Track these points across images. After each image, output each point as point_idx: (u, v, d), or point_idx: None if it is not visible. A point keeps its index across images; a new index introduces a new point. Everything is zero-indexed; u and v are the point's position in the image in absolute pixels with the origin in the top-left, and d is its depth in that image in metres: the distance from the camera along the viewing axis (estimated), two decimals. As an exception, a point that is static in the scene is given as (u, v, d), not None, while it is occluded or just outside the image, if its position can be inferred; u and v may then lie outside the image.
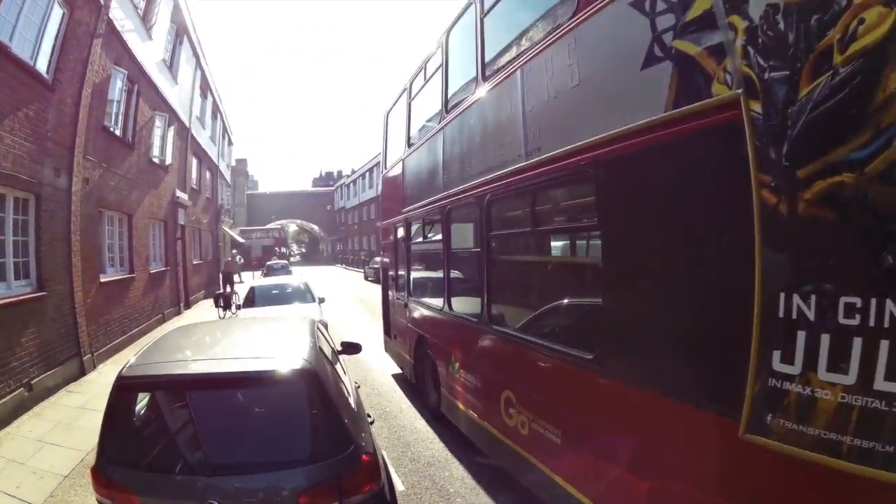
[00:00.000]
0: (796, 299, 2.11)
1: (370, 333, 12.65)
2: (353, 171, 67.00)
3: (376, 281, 33.78)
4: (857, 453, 2.00)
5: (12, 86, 7.49)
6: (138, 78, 13.71)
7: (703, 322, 2.64)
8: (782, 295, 2.14)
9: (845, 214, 2.00)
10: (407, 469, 5.79)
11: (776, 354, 2.18)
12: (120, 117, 12.86)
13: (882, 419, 1.92)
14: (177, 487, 2.96)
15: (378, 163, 50.94)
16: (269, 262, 41.17)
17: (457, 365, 6.12)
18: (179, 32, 18.58)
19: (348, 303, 22.73)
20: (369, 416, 4.30)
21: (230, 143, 38.47)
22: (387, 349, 10.55)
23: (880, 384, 1.93)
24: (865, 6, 1.86)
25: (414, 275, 8.46)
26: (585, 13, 3.38)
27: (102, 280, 11.41)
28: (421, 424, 7.24)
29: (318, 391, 3.24)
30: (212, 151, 28.22)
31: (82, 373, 9.69)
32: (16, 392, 7.27)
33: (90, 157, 10.60)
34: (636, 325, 3.11)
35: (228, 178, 39.38)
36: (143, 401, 3.36)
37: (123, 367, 3.39)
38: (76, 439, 6.50)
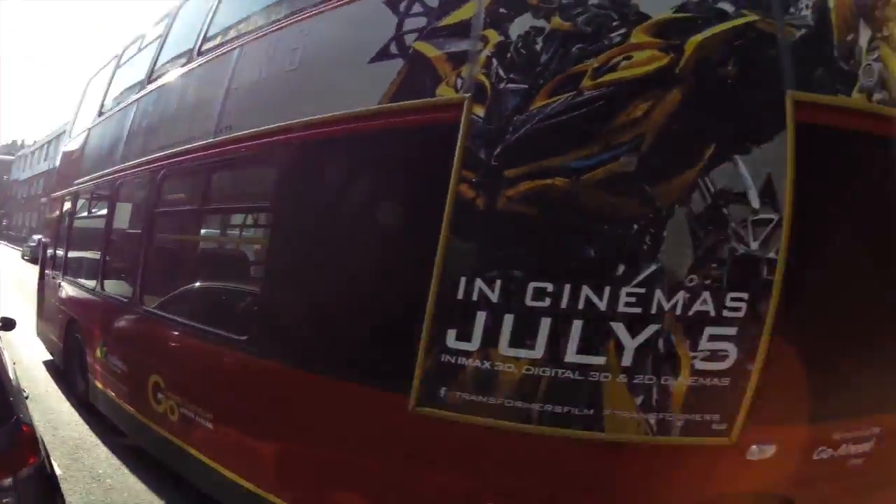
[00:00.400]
0: (479, 283, 2.24)
1: (21, 316, 10.40)
2: (35, 143, 56.05)
3: (33, 260, 28.96)
4: (550, 418, 2.22)
5: None
6: None
7: (371, 305, 2.74)
8: (463, 279, 2.26)
9: (551, 212, 2.25)
10: (58, 452, 5.08)
11: (451, 333, 2.28)
12: None
13: (575, 386, 2.18)
14: None
15: (61, 133, 44.63)
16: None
17: (104, 349, 5.57)
18: None
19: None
20: (24, 391, 3.99)
21: None
22: (38, 333, 9.13)
23: (572, 357, 2.21)
24: (639, 47, 2.17)
25: (73, 252, 7.58)
26: (333, 3, 3.32)
27: None
28: (66, 407, 6.55)
29: None
30: None
31: None
32: None
33: None
34: (298, 308, 3.10)
35: None
36: None
37: None
38: None
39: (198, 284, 4.58)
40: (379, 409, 2.62)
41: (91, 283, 6.27)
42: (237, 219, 4.57)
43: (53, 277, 8.20)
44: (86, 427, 5.92)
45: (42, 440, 3.22)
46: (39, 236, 31.14)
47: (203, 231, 4.78)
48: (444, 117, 2.48)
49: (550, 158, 2.20)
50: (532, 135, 2.23)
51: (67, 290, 7.29)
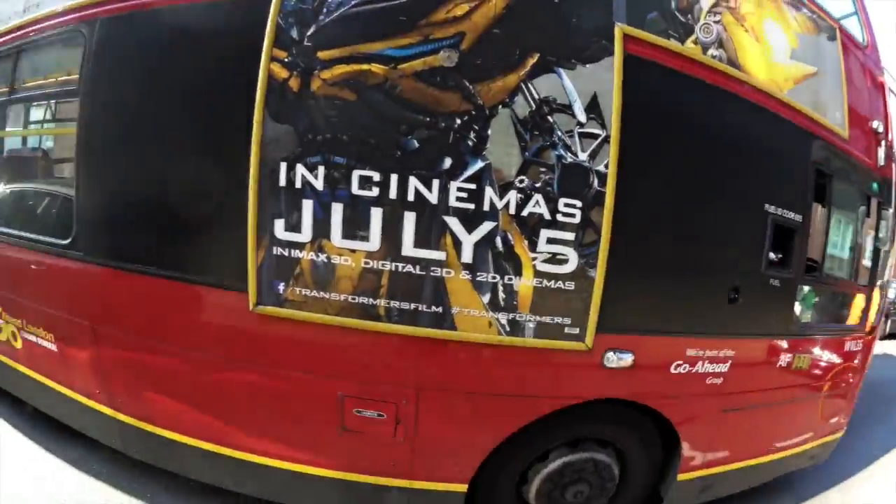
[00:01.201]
0: (301, 169, 2.17)
1: None
2: None
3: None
4: (397, 314, 2.23)
5: None
6: None
7: (193, 194, 2.51)
8: (284, 164, 2.18)
9: (369, 98, 2.20)
10: None
11: (279, 223, 2.21)
12: None
13: (419, 282, 2.19)
14: None
15: None
16: None
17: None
18: None
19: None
20: None
21: None
22: None
23: (410, 251, 2.21)
24: None
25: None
26: None
27: None
28: None
29: None
30: None
31: None
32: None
33: None
34: (121, 205, 2.77)
35: None
36: None
37: None
38: None
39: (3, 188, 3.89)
40: (217, 311, 2.52)
41: None
42: (36, 112, 3.92)
43: None
44: None
45: None
46: None
47: None
48: None
49: (367, 44, 2.17)
50: (348, 17, 2.19)
51: None
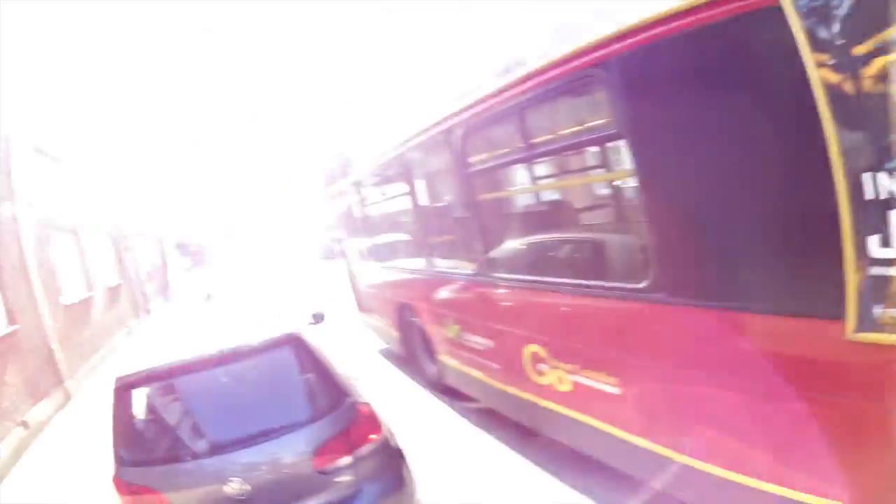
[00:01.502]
0: (883, 177, 1.91)
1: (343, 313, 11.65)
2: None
3: (328, 258, 33.19)
4: None
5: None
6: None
7: (779, 223, 2.34)
8: (867, 176, 1.93)
9: None
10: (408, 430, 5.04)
11: (873, 240, 1.96)
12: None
13: None
14: (197, 473, 3.01)
15: None
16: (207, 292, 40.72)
17: (456, 328, 5.29)
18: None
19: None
20: (355, 374, 4.33)
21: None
22: (365, 326, 9.33)
23: None
24: None
25: (381, 237, 7.69)
26: None
27: (65, 303, 10.93)
28: (427, 399, 6.37)
29: (306, 353, 3.38)
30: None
31: (68, 398, 9.40)
32: (13, 432, 7.05)
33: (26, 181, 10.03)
34: (698, 243, 2.69)
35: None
36: (143, 396, 3.36)
37: (119, 372, 3.35)
38: (84, 464, 6.34)
39: (555, 237, 4.33)
40: (809, 341, 2.27)
41: (417, 264, 6.08)
42: (578, 158, 4.29)
43: (367, 268, 8.28)
44: (441, 406, 5.98)
45: (383, 419, 3.49)
46: (327, 235, 36.95)
47: (542, 178, 4.71)
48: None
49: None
50: (864, 4, 1.88)
51: (389, 276, 7.26)
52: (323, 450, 3.07)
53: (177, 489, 3.01)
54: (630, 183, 3.36)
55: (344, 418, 3.18)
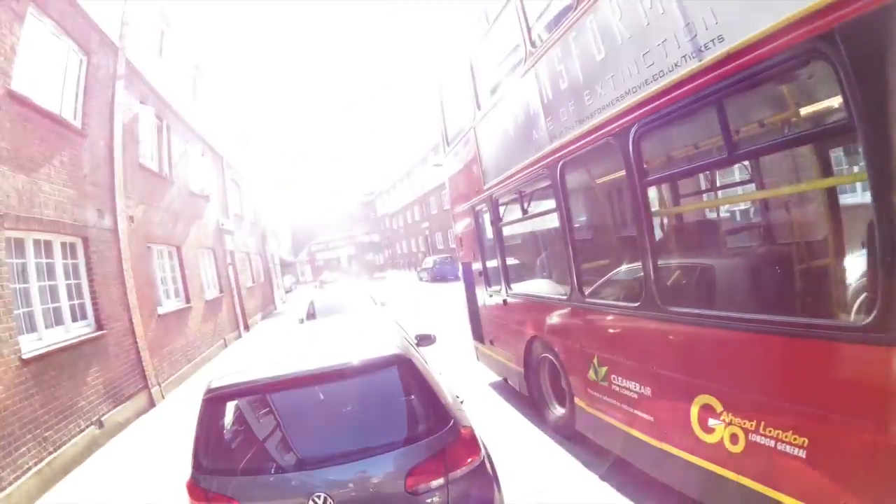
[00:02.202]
0: None
1: (450, 337, 10.82)
2: (391, 178, 67.63)
3: (432, 280, 33.79)
4: None
5: (41, 136, 7.61)
6: (165, 112, 13.95)
7: None
8: None
9: None
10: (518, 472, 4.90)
11: None
12: (154, 153, 13.09)
13: None
14: (278, 486, 2.95)
15: (414, 167, 53.90)
16: (320, 277, 42.08)
17: (603, 370, 4.51)
18: (198, 64, 18.84)
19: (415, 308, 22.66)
20: (458, 397, 4.13)
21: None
22: (479, 357, 8.65)
23: None
24: None
25: (513, 262, 7.12)
26: None
27: (160, 312, 11.64)
28: (551, 447, 5.52)
29: (413, 374, 3.27)
30: (248, 176, 28.70)
31: (152, 404, 9.89)
32: (86, 430, 7.40)
33: (131, 195, 10.80)
34: None
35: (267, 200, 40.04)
36: (232, 409, 3.35)
37: (211, 380, 3.33)
38: (155, 468, 6.52)
39: (760, 260, 3.86)
40: None
41: (558, 292, 5.38)
42: (787, 158, 3.59)
43: (491, 296, 7.45)
44: (564, 454, 5.25)
45: (482, 441, 3.34)
46: (435, 258, 38.19)
47: (731, 185, 4.42)
48: None
49: None
50: None
51: (520, 307, 6.50)
52: (417, 470, 2.95)
53: (254, 500, 2.96)
54: (862, 186, 2.74)
55: (444, 441, 3.05)
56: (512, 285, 6.77)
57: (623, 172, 3.88)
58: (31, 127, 7.36)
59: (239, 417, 3.35)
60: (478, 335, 8.48)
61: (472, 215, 7.79)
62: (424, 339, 5.88)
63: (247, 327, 20.69)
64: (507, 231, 6.87)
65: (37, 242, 7.39)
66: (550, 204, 5.28)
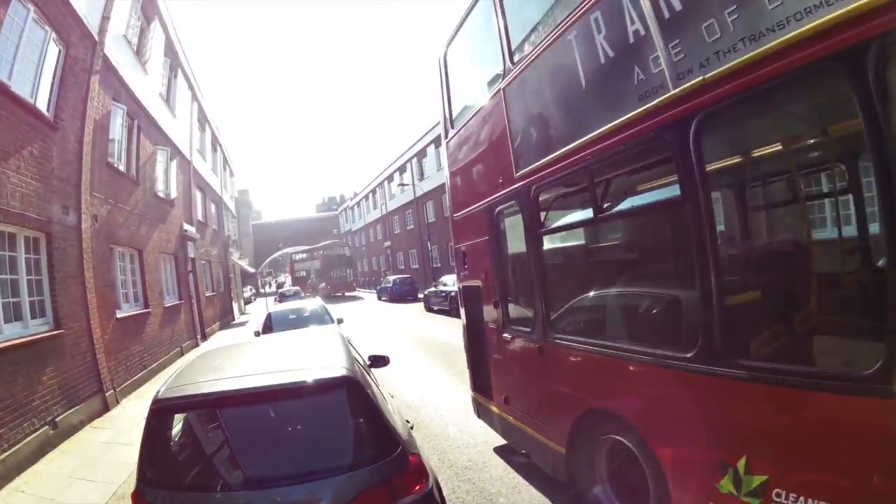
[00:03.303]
0: None
1: (430, 376, 10.73)
2: (356, 195, 67.56)
3: (391, 300, 33.72)
4: None
5: (14, 124, 7.49)
6: (137, 113, 13.80)
7: None
8: None
9: None
10: None
11: None
12: (123, 153, 12.89)
13: None
14: None
15: (381, 183, 53.56)
16: (281, 290, 41.47)
17: (756, 480, 2.67)
18: (173, 66, 18.74)
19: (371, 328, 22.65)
20: (408, 422, 4.15)
21: (231, 174, 38.69)
22: (481, 414, 6.46)
23: None
24: None
25: (561, 290, 4.89)
26: None
27: (119, 316, 11.37)
28: None
29: (360, 398, 3.21)
30: (214, 183, 28.36)
31: (106, 409, 9.61)
32: (40, 430, 7.18)
33: (97, 193, 10.62)
34: None
35: (233, 209, 39.54)
36: (180, 421, 3.31)
37: (159, 390, 3.31)
38: (106, 473, 6.39)
39: None
40: None
41: (666, 347, 3.32)
42: None
43: (514, 337, 5.26)
44: None
45: (430, 467, 3.31)
46: (394, 277, 37.34)
47: None
48: None
49: None
50: None
51: (570, 358, 4.34)
52: (363, 497, 2.90)
53: None
54: None
55: (391, 467, 3.00)
56: (557, 325, 4.62)
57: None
58: (3, 114, 7.24)
59: (186, 430, 3.31)
60: (482, 387, 6.22)
61: (487, 220, 5.60)
62: (378, 361, 5.78)
63: (204, 336, 20.27)
64: (551, 242, 4.89)
65: (0, 234, 7.23)
66: (665, 193, 3.53)
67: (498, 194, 5.28)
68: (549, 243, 4.86)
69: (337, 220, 78.41)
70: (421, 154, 40.47)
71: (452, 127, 6.57)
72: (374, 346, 13.70)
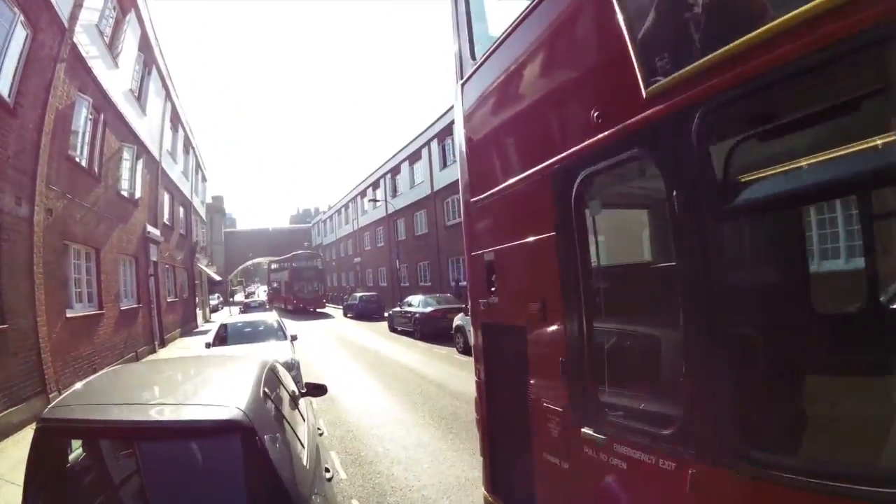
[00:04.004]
0: None
1: (380, 404, 10.10)
2: (330, 207, 67.30)
3: (356, 317, 33.14)
4: None
5: (-32, 106, 7.32)
6: (104, 107, 13.57)
7: None
8: None
9: None
10: None
11: None
12: (85, 147, 12.67)
13: None
14: None
15: (354, 198, 52.76)
16: (245, 300, 40.98)
17: None
18: (147, 63, 18.55)
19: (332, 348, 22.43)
20: (328, 469, 3.79)
21: (204, 178, 38.28)
22: None
23: None
24: None
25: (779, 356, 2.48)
26: None
27: (69, 315, 11.05)
28: None
29: (252, 447, 2.73)
30: (184, 187, 28.01)
31: (48, 411, 9.30)
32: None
33: (53, 186, 10.38)
34: None
35: (203, 214, 39.04)
36: (63, 448, 2.96)
37: (47, 407, 3.03)
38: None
39: None
40: None
41: None
42: None
43: (611, 441, 2.54)
44: None
45: None
46: (361, 294, 36.40)
47: None
48: None
49: None
50: None
51: None
52: None
53: None
54: None
55: None
56: (778, 442, 2.20)
57: None
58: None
59: (68, 460, 2.96)
60: (507, 493, 3.91)
61: (554, 201, 2.98)
62: (315, 390, 5.30)
63: (163, 343, 19.84)
64: (742, 239, 2.67)
65: (-56, 220, 7.02)
66: None
67: (589, 142, 2.68)
68: (739, 242, 2.62)
69: (309, 233, 77.92)
70: (395, 170, 40.45)
71: (474, 58, 4.03)
72: (329, 365, 13.60)
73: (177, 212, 25.72)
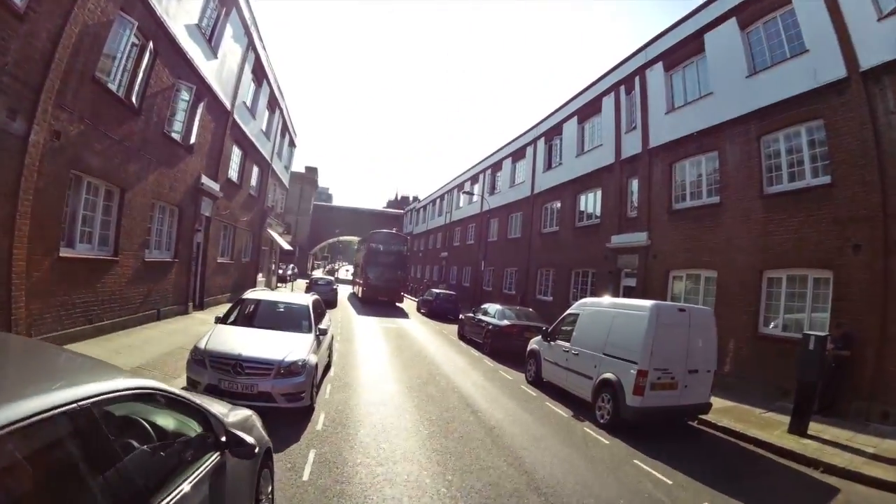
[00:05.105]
0: None
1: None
2: (425, 197, 66.74)
3: (429, 314, 31.83)
4: None
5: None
6: (155, 34, 12.73)
7: None
8: None
9: None
10: None
11: None
12: (125, 75, 11.90)
13: None
14: None
15: (452, 189, 51.71)
16: (313, 277, 40.22)
17: None
18: (226, 2, 17.85)
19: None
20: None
21: (292, 143, 38.33)
22: None
23: None
24: None
25: None
26: None
27: (63, 255, 10.20)
28: None
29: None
30: (264, 147, 27.73)
31: None
32: None
33: (66, 107, 9.52)
34: None
35: (286, 181, 39.13)
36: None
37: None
38: None
39: None
40: None
41: None
42: None
43: None
44: None
45: None
46: (438, 290, 34.05)
47: None
48: None
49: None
50: None
51: None
52: None
53: None
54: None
55: None
56: None
57: None
58: None
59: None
60: None
61: None
62: (237, 446, 3.48)
63: (201, 306, 19.27)
64: None
65: None
66: None
67: None
68: None
69: (401, 219, 77.90)
70: (496, 166, 38.70)
71: None
72: (366, 378, 12.01)
73: (248, 170, 25.34)
